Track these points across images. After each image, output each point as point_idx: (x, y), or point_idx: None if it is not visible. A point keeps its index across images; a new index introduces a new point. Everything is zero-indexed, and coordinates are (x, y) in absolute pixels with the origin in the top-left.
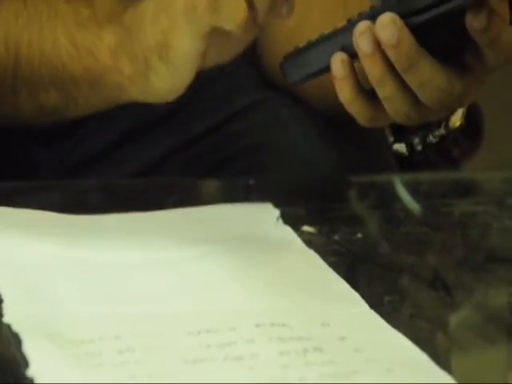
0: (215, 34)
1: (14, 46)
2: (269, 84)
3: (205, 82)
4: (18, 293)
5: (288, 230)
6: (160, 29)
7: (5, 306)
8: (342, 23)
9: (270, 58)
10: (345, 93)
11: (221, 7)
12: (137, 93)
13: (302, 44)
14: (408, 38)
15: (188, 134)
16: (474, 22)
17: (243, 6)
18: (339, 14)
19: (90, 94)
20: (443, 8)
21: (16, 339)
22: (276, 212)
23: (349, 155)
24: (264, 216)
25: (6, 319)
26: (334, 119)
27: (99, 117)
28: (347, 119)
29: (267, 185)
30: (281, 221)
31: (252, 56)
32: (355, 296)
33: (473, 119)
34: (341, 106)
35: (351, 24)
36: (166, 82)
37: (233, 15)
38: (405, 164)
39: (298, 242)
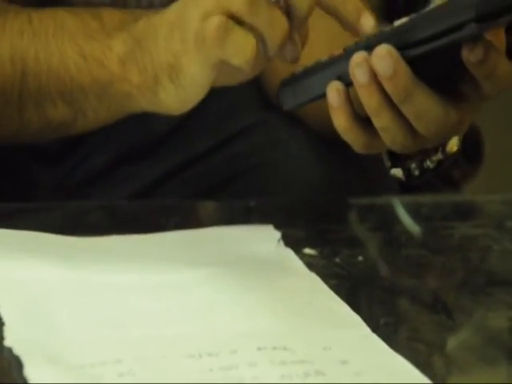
0: (225, 64)
1: (20, 62)
2: (269, 105)
3: (205, 102)
4: (20, 316)
5: (289, 253)
6: (173, 50)
7: (6, 329)
8: (338, 51)
9: (270, 78)
10: (340, 121)
11: (229, 42)
12: (145, 103)
13: (298, 71)
14: (404, 69)
15: (188, 154)
16: (471, 56)
17: (252, 42)
18: (339, 35)
19: (99, 104)
20: (439, 42)
21: (17, 363)
22: (277, 234)
23: (349, 177)
24: (265, 238)
25: (7, 342)
26: (334, 141)
27: (99, 136)
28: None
29: (267, 206)
30: (282, 243)
31: (253, 77)
32: (357, 319)
33: (473, 142)
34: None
35: (347, 53)
36: (174, 100)
37: (241, 51)
38: (405, 186)
39: (299, 264)
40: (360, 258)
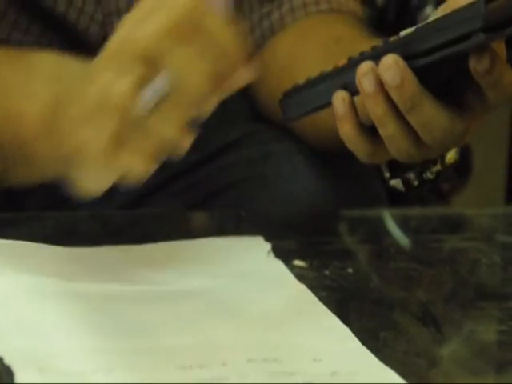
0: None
1: None
2: (259, 117)
3: None
4: (11, 325)
5: (279, 264)
6: (80, 139)
7: None
8: (342, 61)
9: (261, 91)
10: (346, 130)
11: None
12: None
13: (300, 81)
14: (411, 79)
15: (178, 166)
16: (477, 66)
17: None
18: (331, 49)
19: (24, 162)
20: (446, 51)
21: (8, 372)
22: (267, 246)
23: (339, 190)
24: (255, 249)
25: None
26: (324, 153)
27: None
28: (338, 153)
29: (258, 217)
30: (272, 254)
31: (243, 89)
32: (346, 331)
33: (461, 154)
34: (334, 142)
35: (353, 63)
36: (85, 182)
37: (131, 172)
38: (394, 198)
39: (288, 275)
40: (350, 270)
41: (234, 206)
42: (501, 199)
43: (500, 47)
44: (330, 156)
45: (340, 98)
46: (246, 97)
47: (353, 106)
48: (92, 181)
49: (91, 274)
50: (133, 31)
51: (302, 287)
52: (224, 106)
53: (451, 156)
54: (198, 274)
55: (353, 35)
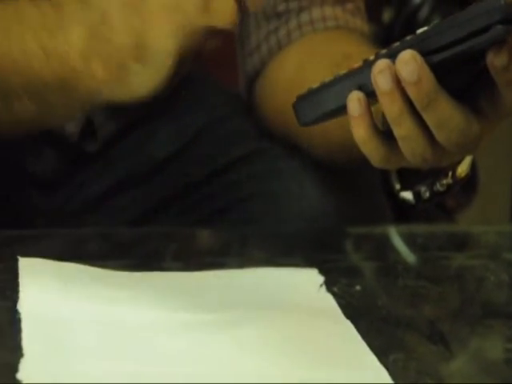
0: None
1: None
2: (265, 134)
3: (201, 131)
4: (40, 349)
5: (328, 299)
6: (133, 30)
7: (23, 361)
8: (357, 64)
9: (268, 107)
10: (360, 131)
11: (213, 10)
12: (111, 94)
13: (315, 85)
14: (428, 75)
15: (184, 183)
16: (495, 61)
17: (232, 3)
18: (340, 65)
19: (64, 98)
20: (463, 46)
21: None
22: (320, 279)
23: (346, 206)
24: (307, 282)
25: (20, 375)
26: (331, 169)
27: (97, 164)
28: (346, 167)
29: (264, 235)
30: (324, 288)
31: (249, 106)
32: (383, 372)
33: None
34: (344, 155)
35: (368, 64)
36: (143, 80)
37: (223, 13)
38: (400, 214)
39: (336, 311)
40: (358, 288)
41: (241, 222)
42: (507, 216)
43: None
44: (337, 173)
45: (355, 99)
46: (252, 113)
47: (368, 107)
48: (161, 51)
49: (134, 300)
50: None
51: (348, 323)
52: (232, 123)
53: (462, 170)
54: (244, 305)
55: (361, 51)
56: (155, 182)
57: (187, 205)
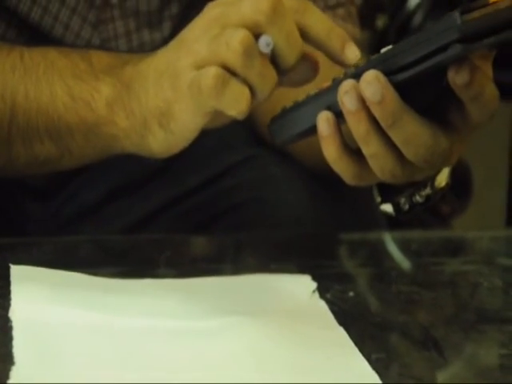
0: (217, 112)
1: (10, 98)
2: (259, 141)
3: (195, 138)
4: (31, 357)
5: (321, 305)
6: (163, 97)
7: (14, 369)
8: (327, 83)
9: (260, 114)
10: (330, 151)
11: (225, 94)
12: (131, 146)
13: (288, 105)
14: (392, 94)
15: (178, 190)
16: (457, 78)
17: (247, 94)
18: (328, 71)
19: (85, 144)
20: (424, 65)
21: None
22: (313, 285)
23: (339, 213)
24: (299, 288)
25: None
26: (324, 176)
27: (91, 171)
28: (335, 176)
29: (258, 241)
30: (317, 294)
31: None
32: (375, 378)
33: (461, 177)
34: (328, 164)
35: (336, 83)
36: (161, 144)
37: (236, 103)
38: (394, 222)
39: (329, 317)
40: (351, 294)
41: (235, 229)
42: (501, 221)
43: (487, 68)
44: (330, 179)
45: (324, 119)
46: (245, 120)
47: (337, 127)
48: (184, 126)
49: (127, 306)
50: (226, 10)
51: (340, 330)
52: (225, 130)
53: (441, 180)
54: (235, 311)
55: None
56: (149, 189)
57: (180, 212)
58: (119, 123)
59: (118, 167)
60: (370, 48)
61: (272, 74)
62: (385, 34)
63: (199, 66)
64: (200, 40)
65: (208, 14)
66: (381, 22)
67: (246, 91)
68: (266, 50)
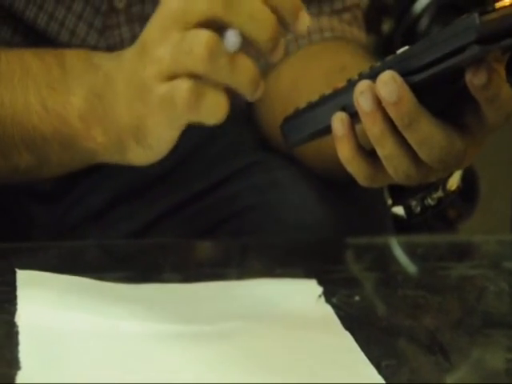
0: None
1: None
2: (265, 146)
3: (200, 143)
4: (37, 362)
5: (327, 309)
6: (135, 113)
7: (20, 373)
8: (341, 84)
9: (266, 118)
10: (344, 151)
11: (201, 106)
12: (111, 159)
13: (301, 105)
14: (408, 95)
15: (183, 195)
16: (474, 79)
17: (224, 101)
18: (336, 77)
19: (63, 154)
20: (441, 66)
21: None
22: (319, 289)
23: (346, 217)
24: (305, 293)
25: None
26: (331, 181)
27: (96, 176)
28: (344, 181)
29: (264, 246)
30: (323, 299)
31: (248, 117)
32: (381, 383)
33: (468, 181)
34: (339, 168)
35: (351, 84)
36: (142, 159)
37: (213, 113)
38: (401, 226)
39: (335, 322)
40: (357, 298)
41: (241, 234)
42: (508, 226)
43: (501, 70)
44: (336, 183)
45: (339, 120)
46: (250, 125)
47: (352, 128)
48: (160, 139)
49: (131, 312)
50: (183, 5)
51: (347, 334)
52: (230, 135)
53: (453, 182)
54: (241, 316)
55: (357, 63)
56: (154, 194)
57: (186, 217)
58: (96, 138)
59: (123, 172)
60: (376, 52)
61: (248, 68)
62: (391, 38)
63: (166, 77)
64: (160, 45)
65: (165, 11)
66: (386, 26)
67: (222, 99)
68: (234, 48)
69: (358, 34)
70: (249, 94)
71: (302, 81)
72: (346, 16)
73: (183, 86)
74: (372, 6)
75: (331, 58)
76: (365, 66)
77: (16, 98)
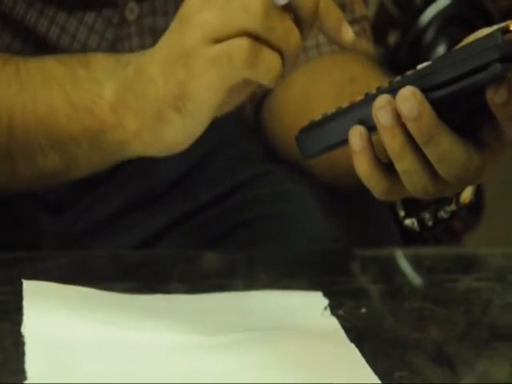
0: (239, 84)
1: (7, 114)
2: (272, 156)
3: (207, 153)
4: (44, 373)
5: (333, 322)
6: (175, 80)
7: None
8: (359, 97)
9: (275, 129)
10: (362, 166)
11: (259, 64)
12: (142, 147)
13: (316, 117)
14: (428, 111)
15: (190, 205)
16: (495, 97)
17: (278, 60)
18: (346, 88)
19: (91, 153)
20: (462, 83)
21: None
22: (324, 301)
23: (353, 229)
24: (311, 305)
25: None
26: (338, 193)
27: (104, 186)
28: (354, 191)
29: (270, 257)
30: (328, 311)
31: (255, 128)
32: None
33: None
34: (352, 180)
35: (369, 98)
36: (179, 132)
37: (270, 71)
38: (407, 237)
39: (340, 334)
40: (363, 310)
41: (247, 245)
42: None
43: None
44: (344, 195)
45: (357, 133)
46: (259, 136)
47: (370, 142)
48: (203, 104)
49: (140, 322)
50: None
51: (352, 347)
52: (236, 145)
53: (466, 196)
54: (248, 327)
55: (367, 74)
56: (162, 204)
57: (193, 227)
58: (127, 126)
59: (131, 182)
60: (383, 64)
61: (295, 33)
62: (397, 50)
63: (213, 39)
64: (203, 11)
65: None
66: (393, 38)
67: (277, 57)
68: (284, 1)
69: (367, 45)
70: (290, 59)
71: (311, 92)
72: (355, 28)
73: (242, 43)
74: (378, 17)
75: (341, 69)
76: (374, 77)
77: (39, 103)
